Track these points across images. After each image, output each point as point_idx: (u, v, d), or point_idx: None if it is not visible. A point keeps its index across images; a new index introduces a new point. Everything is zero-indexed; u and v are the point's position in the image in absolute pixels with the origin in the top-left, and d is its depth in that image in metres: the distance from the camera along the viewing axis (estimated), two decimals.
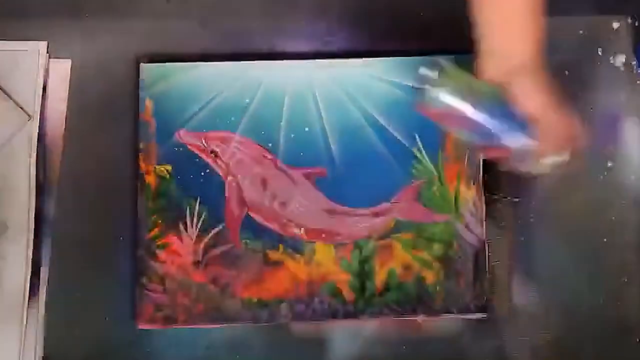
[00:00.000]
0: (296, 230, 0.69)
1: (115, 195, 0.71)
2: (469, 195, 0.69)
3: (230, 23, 0.74)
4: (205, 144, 0.70)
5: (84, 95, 0.72)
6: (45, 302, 0.69)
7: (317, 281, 0.68)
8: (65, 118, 0.72)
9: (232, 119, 0.70)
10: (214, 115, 0.70)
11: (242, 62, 0.71)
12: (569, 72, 0.73)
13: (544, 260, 0.71)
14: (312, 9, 0.74)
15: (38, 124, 0.71)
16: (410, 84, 0.70)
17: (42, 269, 0.69)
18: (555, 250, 0.71)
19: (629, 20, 0.74)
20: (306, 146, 0.70)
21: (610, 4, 0.75)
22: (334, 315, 0.68)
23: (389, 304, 0.68)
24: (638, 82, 0.74)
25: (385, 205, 0.69)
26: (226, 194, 0.69)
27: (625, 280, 0.71)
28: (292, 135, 0.70)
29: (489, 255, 0.70)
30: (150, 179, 0.69)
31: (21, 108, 0.71)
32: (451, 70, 0.61)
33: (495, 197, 0.72)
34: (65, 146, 0.71)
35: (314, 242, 0.69)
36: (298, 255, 0.68)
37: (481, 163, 0.70)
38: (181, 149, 0.70)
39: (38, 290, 0.69)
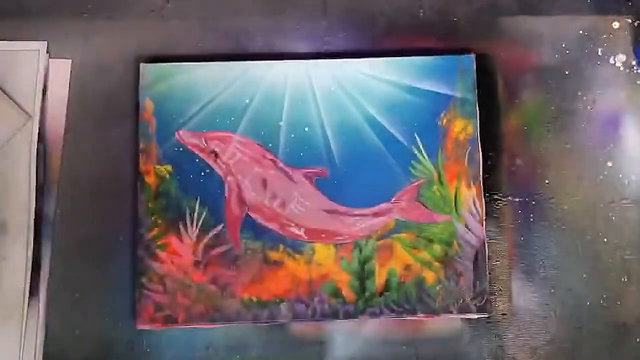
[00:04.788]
0: (296, 230, 0.69)
1: (115, 195, 0.71)
2: (469, 195, 0.69)
3: (230, 23, 0.74)
4: (205, 144, 0.70)
5: (84, 95, 0.72)
6: (45, 302, 0.69)
7: (317, 281, 0.68)
8: (65, 118, 0.72)
9: (232, 119, 0.70)
10: (214, 115, 0.70)
11: (242, 62, 0.71)
12: (569, 72, 0.73)
13: (544, 260, 0.71)
14: (312, 9, 0.74)
15: (38, 124, 0.71)
16: (410, 84, 0.70)
17: (42, 269, 0.69)
18: (555, 250, 0.71)
19: (629, 20, 0.74)
20: (306, 146, 0.70)
21: (610, 4, 0.75)
22: (334, 315, 0.68)
23: (389, 304, 0.68)
24: (638, 82, 0.74)
25: (385, 205, 0.69)
26: (226, 194, 0.69)
27: (625, 280, 0.71)
28: (292, 135, 0.70)
29: (489, 255, 0.69)
30: (150, 179, 0.69)
31: (21, 108, 0.71)
32: None
33: (495, 197, 0.72)
34: (65, 146, 0.71)
35: (314, 242, 0.69)
36: (298, 255, 0.68)
37: (481, 163, 0.70)
38: (181, 149, 0.70)
39: (38, 290, 0.69)
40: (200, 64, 0.71)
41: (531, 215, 0.72)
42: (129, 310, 0.69)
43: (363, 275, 0.68)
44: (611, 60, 0.74)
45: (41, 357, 0.68)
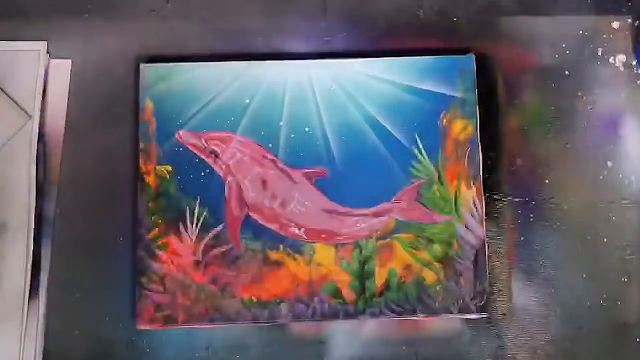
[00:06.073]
0: (296, 231, 0.69)
1: (115, 195, 0.71)
2: (469, 195, 0.69)
3: (230, 23, 0.74)
4: (205, 144, 0.70)
5: (84, 95, 0.72)
6: (45, 302, 0.69)
7: (317, 281, 0.68)
8: (66, 118, 0.72)
9: (232, 119, 0.70)
10: (214, 115, 0.70)
11: (242, 62, 0.71)
12: (569, 72, 0.73)
13: (544, 260, 0.71)
14: (312, 9, 0.74)
15: (38, 124, 0.71)
16: (410, 84, 0.70)
17: (42, 269, 0.69)
18: (555, 250, 0.71)
19: (629, 20, 0.74)
20: (306, 146, 0.70)
21: (610, 4, 0.75)
22: (334, 315, 0.68)
23: (389, 304, 0.68)
24: (638, 82, 0.74)
25: (385, 205, 0.69)
26: (226, 194, 0.69)
27: (625, 280, 0.71)
28: (292, 135, 0.70)
29: (489, 255, 0.69)
30: (150, 179, 0.69)
31: (21, 108, 0.71)
32: None
33: (495, 197, 0.72)
34: (65, 146, 0.71)
35: (314, 242, 0.69)
36: (298, 255, 0.68)
37: (481, 163, 0.70)
38: (181, 149, 0.70)
39: (38, 290, 0.69)
40: (200, 64, 0.71)
41: (531, 215, 0.71)
42: (129, 310, 0.69)
43: (363, 276, 0.68)
44: (611, 60, 0.74)
45: (41, 357, 0.68)
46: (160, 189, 0.69)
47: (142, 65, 0.71)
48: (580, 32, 0.74)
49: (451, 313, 0.68)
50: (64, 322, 0.69)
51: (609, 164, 0.72)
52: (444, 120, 0.70)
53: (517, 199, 0.72)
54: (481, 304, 0.68)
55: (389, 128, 0.70)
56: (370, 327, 0.70)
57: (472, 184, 0.70)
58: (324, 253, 0.69)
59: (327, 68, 0.71)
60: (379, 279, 0.68)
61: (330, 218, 0.69)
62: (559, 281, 0.71)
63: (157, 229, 0.69)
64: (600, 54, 0.74)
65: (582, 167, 0.72)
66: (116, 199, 0.71)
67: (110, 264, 0.70)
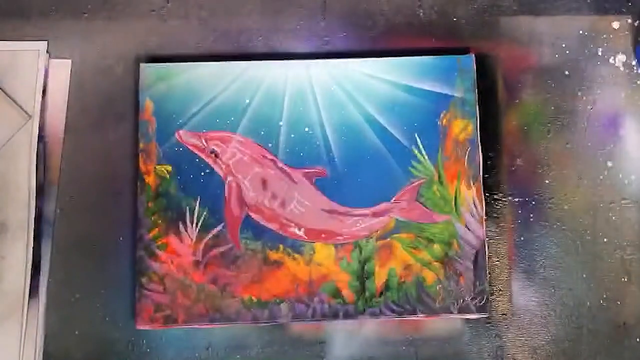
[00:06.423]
0: (296, 230, 0.69)
1: (115, 195, 0.71)
2: (469, 195, 0.69)
3: (230, 23, 0.74)
4: (205, 144, 0.70)
5: (84, 95, 0.72)
6: (45, 302, 0.69)
7: (317, 281, 0.68)
8: (65, 118, 0.72)
9: (232, 119, 0.70)
10: (214, 115, 0.70)
11: (242, 62, 0.71)
12: (569, 72, 0.73)
13: (544, 260, 0.71)
14: (312, 9, 0.74)
15: (38, 124, 0.71)
16: (410, 84, 0.70)
17: (42, 269, 0.69)
18: (555, 250, 0.71)
19: (629, 20, 0.74)
20: (306, 146, 0.70)
21: (610, 4, 0.75)
22: (334, 315, 0.68)
23: (389, 304, 0.68)
24: (638, 82, 0.74)
25: (385, 205, 0.69)
26: (226, 194, 0.69)
27: (625, 280, 0.71)
28: (292, 135, 0.70)
29: (489, 255, 0.69)
30: (150, 179, 0.69)
31: (21, 108, 0.71)
32: None
33: (495, 197, 0.72)
34: (65, 146, 0.71)
35: (314, 242, 0.69)
36: (298, 255, 0.68)
37: (481, 163, 0.70)
38: (181, 149, 0.70)
39: (38, 290, 0.69)
40: (200, 64, 0.71)
41: (531, 215, 0.71)
42: (129, 310, 0.69)
43: (363, 276, 0.68)
44: (611, 60, 0.74)
45: (41, 357, 0.68)
46: (160, 189, 0.69)
47: (142, 65, 0.71)
48: (580, 32, 0.74)
49: (451, 313, 0.68)
50: (63, 322, 0.69)
51: (609, 164, 0.72)
52: (444, 120, 0.70)
53: (517, 199, 0.72)
54: (481, 304, 0.68)
55: (389, 128, 0.70)
56: (370, 327, 0.70)
57: (472, 184, 0.70)
58: (324, 253, 0.69)
59: (327, 68, 0.71)
60: (379, 279, 0.68)
61: (330, 218, 0.69)
62: (559, 281, 0.71)
63: (157, 229, 0.69)
64: (600, 54, 0.74)
65: (582, 167, 0.72)
66: (116, 199, 0.71)
67: (110, 264, 0.70)
